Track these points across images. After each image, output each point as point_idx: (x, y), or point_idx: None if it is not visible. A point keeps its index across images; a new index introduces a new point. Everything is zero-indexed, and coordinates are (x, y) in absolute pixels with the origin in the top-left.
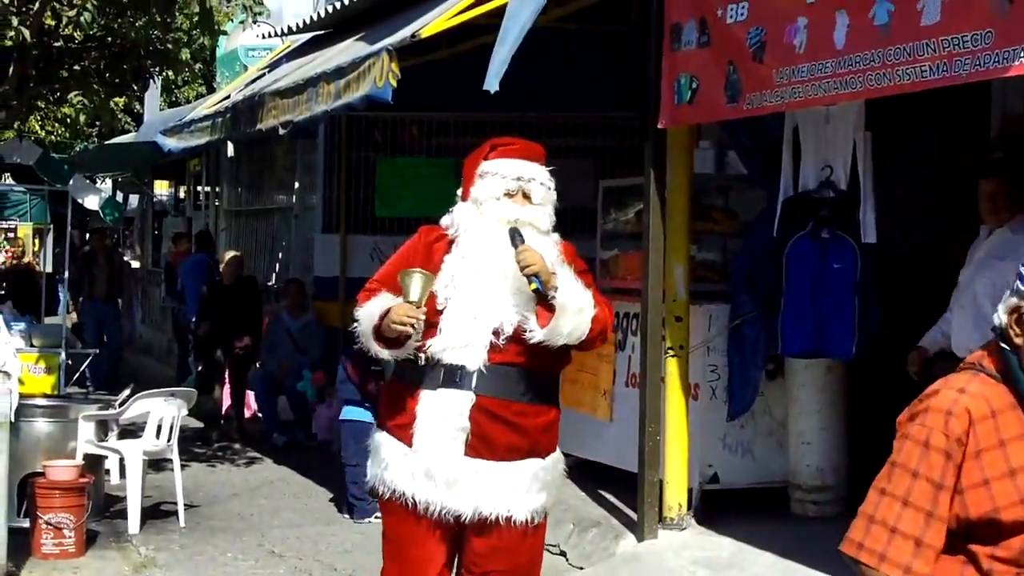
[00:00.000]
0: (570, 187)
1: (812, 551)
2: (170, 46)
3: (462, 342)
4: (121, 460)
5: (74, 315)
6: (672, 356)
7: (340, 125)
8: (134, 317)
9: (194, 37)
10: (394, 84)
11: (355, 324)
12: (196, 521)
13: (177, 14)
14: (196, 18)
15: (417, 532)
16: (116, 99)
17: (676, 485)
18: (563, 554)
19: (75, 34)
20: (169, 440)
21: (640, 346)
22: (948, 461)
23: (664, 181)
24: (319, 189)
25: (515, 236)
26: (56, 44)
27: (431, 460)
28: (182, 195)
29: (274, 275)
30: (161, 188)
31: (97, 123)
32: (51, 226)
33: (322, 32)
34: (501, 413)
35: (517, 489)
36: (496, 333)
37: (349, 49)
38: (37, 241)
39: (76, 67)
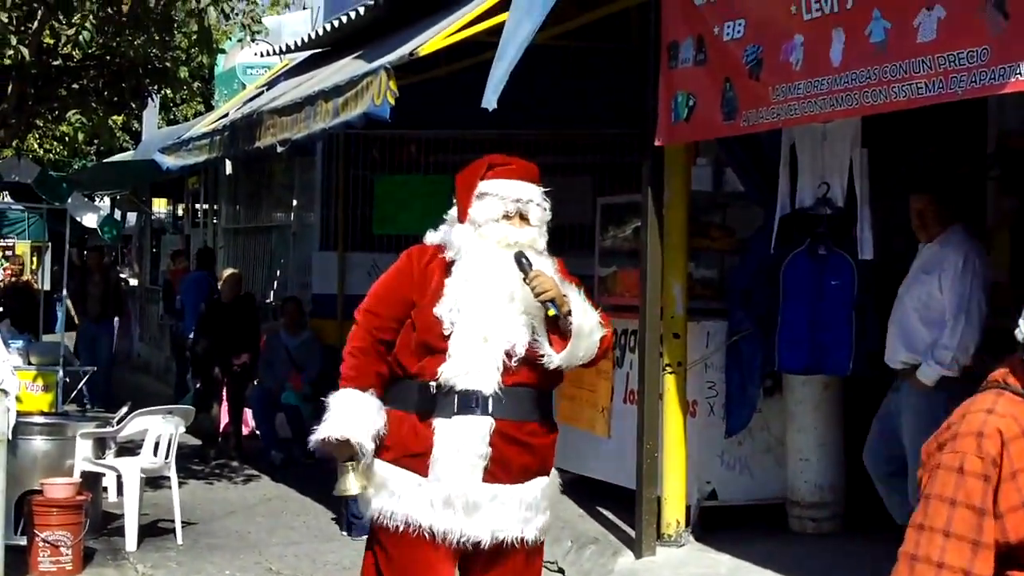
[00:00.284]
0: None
1: (811, 568)
2: (168, 64)
3: (475, 367)
4: (119, 478)
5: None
6: (670, 373)
7: (338, 143)
8: (132, 335)
9: (192, 55)
10: (392, 102)
11: (327, 406)
12: (194, 539)
13: (175, 33)
14: (194, 37)
15: (433, 561)
16: (114, 117)
17: (674, 502)
18: (561, 571)
19: (74, 53)
20: (167, 457)
21: (638, 363)
22: (987, 484)
23: (662, 198)
24: (317, 207)
25: (522, 261)
26: (55, 63)
27: (451, 488)
28: (180, 213)
29: (272, 292)
30: (159, 206)
31: (95, 141)
32: (49, 244)
33: (320, 50)
34: (516, 435)
35: (529, 509)
36: (508, 355)
37: (347, 67)
38: (35, 259)
39: (75, 86)
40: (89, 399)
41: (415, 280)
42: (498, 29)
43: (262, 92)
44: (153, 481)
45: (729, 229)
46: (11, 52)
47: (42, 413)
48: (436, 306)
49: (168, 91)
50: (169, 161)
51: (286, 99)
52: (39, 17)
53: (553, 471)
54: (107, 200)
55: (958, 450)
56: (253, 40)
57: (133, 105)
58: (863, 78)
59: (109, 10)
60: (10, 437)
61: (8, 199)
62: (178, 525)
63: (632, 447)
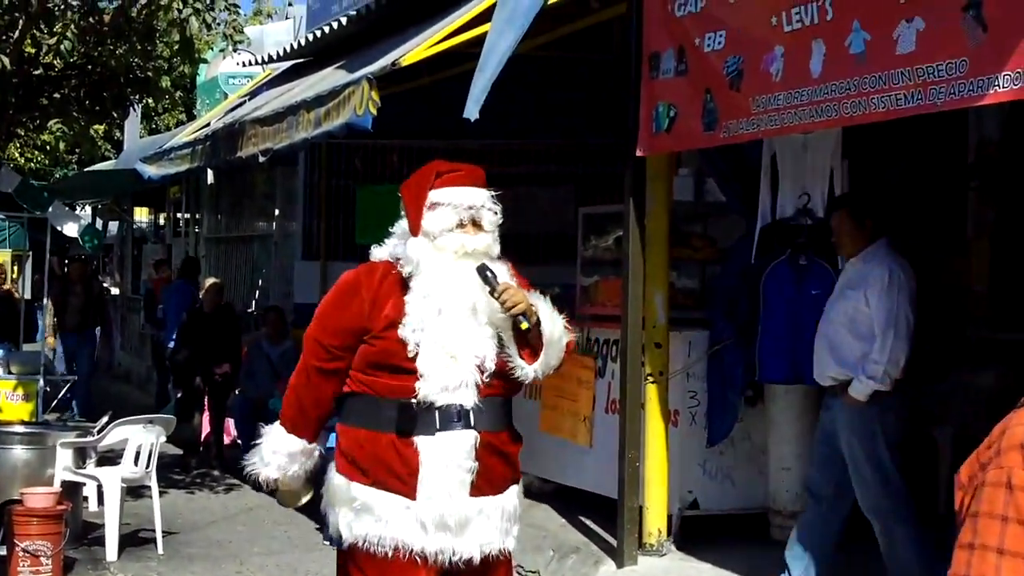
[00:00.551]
0: (550, 214)
1: None
2: (150, 74)
3: (454, 382)
4: (99, 487)
5: (50, 340)
6: (652, 382)
7: (320, 153)
8: (113, 344)
9: (174, 65)
10: (374, 112)
11: (258, 445)
12: (175, 548)
13: (157, 42)
14: (176, 46)
15: None
16: (96, 126)
17: (656, 511)
18: None
19: (55, 62)
20: (148, 467)
21: (620, 372)
22: None
23: (643, 208)
24: (299, 216)
25: (485, 274)
26: (36, 72)
27: (443, 507)
28: (162, 222)
29: (254, 302)
30: (141, 215)
31: (77, 150)
32: (30, 253)
33: (302, 60)
34: (498, 445)
35: (509, 519)
36: (480, 370)
37: (329, 77)
38: (16, 268)
39: (56, 95)
40: (77, 409)
41: (366, 309)
42: (480, 40)
43: (244, 102)
44: (134, 491)
45: (711, 239)
46: None
47: (22, 422)
48: (400, 328)
49: (150, 100)
50: (151, 170)
51: (268, 109)
52: (20, 26)
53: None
54: (88, 209)
55: (1003, 465)
56: (235, 50)
57: (115, 114)
58: (842, 89)
59: (91, 20)
60: None
61: None
62: (159, 535)
63: (614, 456)
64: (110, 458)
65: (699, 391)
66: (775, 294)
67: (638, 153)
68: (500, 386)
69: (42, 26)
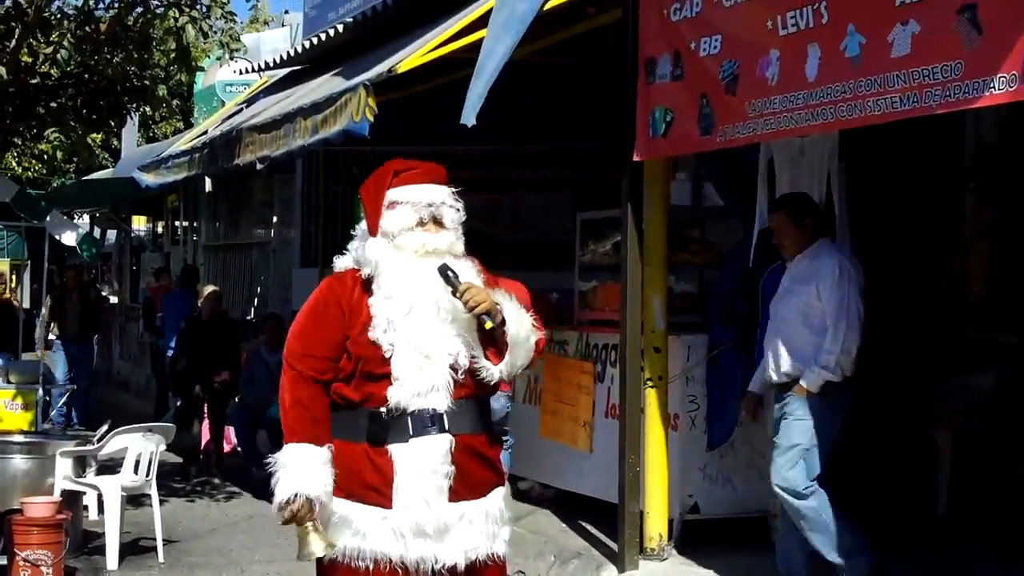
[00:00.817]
0: (548, 220)
1: None
2: (147, 82)
3: (426, 386)
4: (99, 496)
5: (44, 352)
6: (651, 387)
7: (318, 160)
8: (112, 353)
9: (171, 73)
10: (371, 119)
11: (273, 462)
12: (175, 557)
13: (154, 51)
14: (173, 54)
15: None
16: (93, 135)
17: (657, 516)
18: None
19: (52, 71)
20: (148, 475)
21: (619, 377)
22: None
23: (641, 213)
24: (297, 223)
25: (447, 274)
26: (33, 81)
27: (419, 515)
28: (160, 230)
29: (252, 309)
30: (139, 223)
31: (74, 159)
32: (28, 262)
33: (299, 68)
34: (476, 448)
35: (496, 523)
36: (454, 369)
37: (326, 84)
38: (14, 277)
39: (53, 104)
40: (77, 417)
41: (345, 314)
42: (476, 46)
43: (241, 109)
44: (134, 499)
45: (708, 243)
46: None
47: (22, 432)
48: (370, 331)
49: (147, 109)
50: (148, 179)
51: (265, 116)
52: (16, 35)
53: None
54: (86, 218)
55: None
56: (232, 58)
57: (112, 123)
58: (838, 92)
59: (87, 28)
60: None
61: None
62: (159, 543)
63: (614, 461)
64: (110, 467)
65: (699, 395)
66: (773, 297)
67: (635, 158)
68: (473, 387)
69: (39, 35)
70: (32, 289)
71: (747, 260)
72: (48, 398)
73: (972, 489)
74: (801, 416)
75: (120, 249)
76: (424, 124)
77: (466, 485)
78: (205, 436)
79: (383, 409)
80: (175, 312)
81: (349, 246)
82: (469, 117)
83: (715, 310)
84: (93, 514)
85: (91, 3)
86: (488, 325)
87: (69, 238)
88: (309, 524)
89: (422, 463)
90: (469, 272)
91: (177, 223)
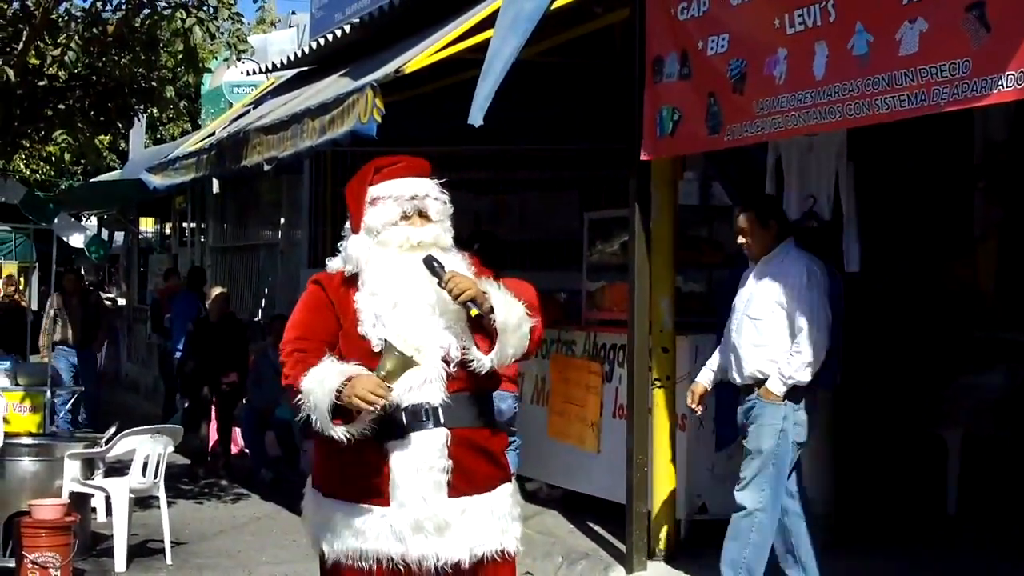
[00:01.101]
0: (555, 219)
1: None
2: (155, 84)
3: (418, 379)
4: (107, 498)
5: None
6: (659, 387)
7: (325, 161)
8: (120, 355)
9: (179, 75)
10: (378, 119)
11: (299, 396)
12: (183, 559)
13: (161, 52)
14: (180, 56)
15: None
16: (101, 137)
17: (665, 516)
18: None
19: (60, 73)
20: (155, 477)
21: (627, 377)
22: None
23: (649, 213)
24: (305, 224)
25: (432, 264)
26: (41, 83)
27: (417, 512)
28: (168, 232)
29: (260, 311)
30: (147, 225)
31: (82, 161)
32: (36, 265)
33: (306, 68)
34: (475, 441)
35: (504, 519)
36: (446, 362)
37: (333, 85)
38: (22, 279)
39: (61, 106)
40: (85, 420)
41: (335, 305)
42: (483, 46)
43: (249, 110)
44: (142, 501)
45: (716, 243)
46: None
47: (30, 434)
48: (358, 327)
49: (154, 110)
50: (156, 180)
51: (273, 117)
52: (24, 38)
53: (512, 478)
54: (94, 220)
55: None
56: (239, 59)
57: (119, 125)
58: (846, 91)
59: (95, 30)
60: None
61: None
62: (167, 545)
63: (622, 462)
64: (118, 469)
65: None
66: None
67: (642, 157)
68: (468, 381)
69: (46, 37)
70: (40, 291)
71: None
72: (55, 401)
73: (982, 489)
74: (768, 421)
75: (128, 251)
76: (431, 124)
77: (467, 480)
78: (213, 438)
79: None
80: (182, 314)
81: (339, 246)
82: (476, 117)
83: (723, 310)
84: (101, 516)
85: (98, 5)
86: (474, 312)
87: (77, 240)
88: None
89: (418, 458)
90: (458, 264)
91: (185, 225)
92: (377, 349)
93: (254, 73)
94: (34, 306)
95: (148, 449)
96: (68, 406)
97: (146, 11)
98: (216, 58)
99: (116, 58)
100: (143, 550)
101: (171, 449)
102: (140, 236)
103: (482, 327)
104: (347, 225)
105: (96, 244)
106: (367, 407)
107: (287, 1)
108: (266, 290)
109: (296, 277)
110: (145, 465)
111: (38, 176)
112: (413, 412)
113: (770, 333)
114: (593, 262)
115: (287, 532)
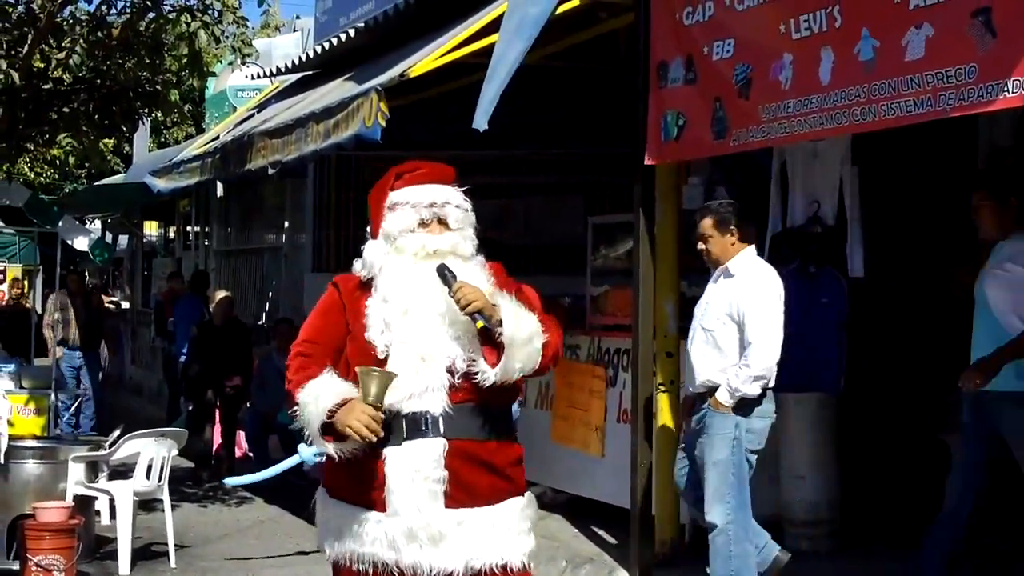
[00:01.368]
0: (560, 224)
1: None
2: (159, 87)
3: (420, 387)
4: (111, 501)
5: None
6: (663, 391)
7: (330, 165)
8: (124, 358)
9: (183, 78)
10: (383, 123)
11: (296, 408)
12: (187, 562)
13: (166, 56)
14: (185, 60)
15: None
16: (105, 141)
17: (668, 521)
18: None
19: (64, 76)
20: (160, 480)
21: (631, 382)
22: None
23: (653, 218)
24: (309, 228)
25: (444, 273)
26: (45, 87)
27: (411, 520)
28: (172, 235)
29: (264, 314)
30: (151, 229)
31: (86, 164)
32: (40, 268)
33: (311, 72)
34: (476, 454)
35: (508, 533)
36: (450, 372)
37: (338, 89)
38: (26, 282)
39: (65, 109)
40: (89, 424)
41: (346, 308)
42: (488, 50)
43: (253, 114)
44: (146, 504)
45: None
46: (1, 76)
47: (34, 437)
48: (366, 332)
49: (159, 114)
50: (160, 184)
51: (277, 121)
52: (29, 41)
53: (529, 492)
54: (98, 223)
55: None
56: (243, 63)
57: (124, 128)
58: (852, 96)
59: (99, 34)
60: (2, 461)
61: None
62: (171, 548)
63: (626, 466)
64: (122, 472)
65: None
66: (785, 302)
67: (647, 162)
68: (477, 392)
69: (51, 41)
70: (44, 294)
71: None
72: (60, 403)
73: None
74: (719, 431)
75: (132, 254)
76: (436, 129)
77: (466, 492)
78: (217, 441)
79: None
80: (185, 318)
81: (361, 249)
82: (481, 122)
83: None
84: (105, 519)
85: (103, 8)
86: (479, 324)
87: (81, 243)
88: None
89: (413, 467)
90: (476, 274)
91: (189, 228)
92: (382, 356)
93: (258, 77)
94: (38, 309)
95: (152, 452)
96: (71, 411)
97: (151, 15)
98: (220, 62)
99: (120, 62)
100: (147, 553)
101: (175, 452)
102: (144, 240)
103: (492, 339)
104: (368, 229)
105: (100, 247)
106: (358, 439)
107: (291, 5)
108: (270, 294)
109: (300, 281)
110: (149, 468)
111: (42, 179)
112: (413, 420)
113: (722, 344)
114: (597, 267)
115: (291, 536)
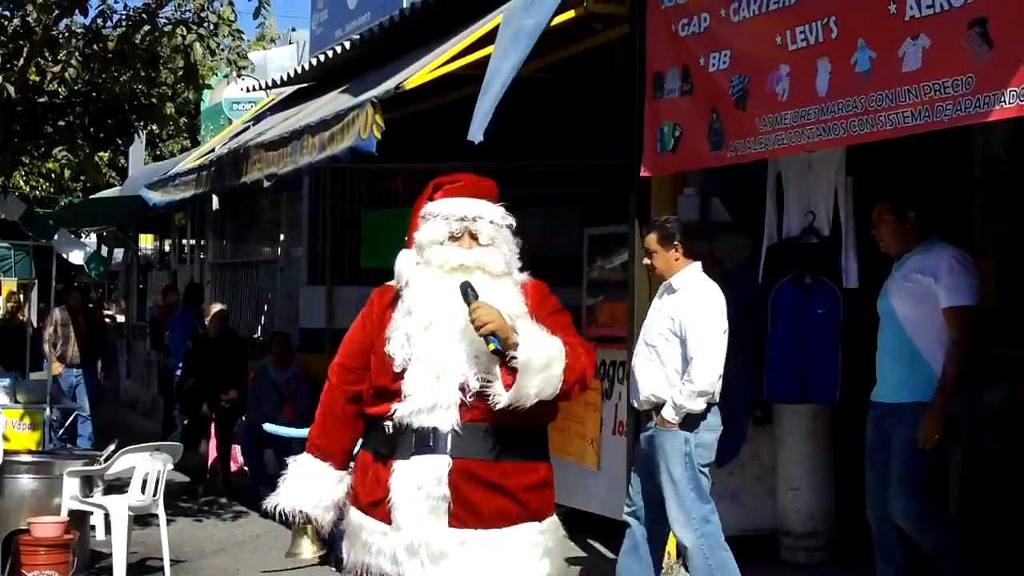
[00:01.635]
0: (556, 236)
1: None
2: (154, 100)
3: (430, 403)
4: (106, 516)
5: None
6: None
7: (325, 177)
8: (119, 372)
9: (179, 91)
10: (378, 136)
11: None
12: None
13: (161, 69)
14: (180, 72)
15: None
16: (101, 154)
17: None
18: None
19: (60, 89)
20: (155, 495)
21: (627, 394)
22: None
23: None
24: (304, 241)
25: (467, 291)
26: (41, 100)
27: (413, 535)
28: (167, 248)
29: (260, 327)
30: (146, 242)
31: (82, 178)
32: (35, 281)
33: (306, 85)
34: (483, 475)
35: (515, 558)
36: (463, 390)
37: (333, 101)
38: (21, 296)
39: (61, 122)
40: (84, 439)
41: (375, 323)
42: (483, 62)
43: (248, 127)
44: (141, 519)
45: (716, 259)
46: None
47: (29, 452)
48: (387, 344)
49: (154, 127)
50: (156, 197)
51: (272, 134)
52: (24, 54)
53: (554, 517)
54: (94, 236)
55: None
56: (239, 75)
57: (119, 141)
58: (849, 107)
59: (95, 47)
60: None
61: None
62: (167, 563)
63: (622, 478)
64: (117, 486)
65: None
66: (781, 313)
67: (642, 173)
68: (488, 412)
69: (46, 54)
70: (40, 308)
71: (755, 276)
72: (55, 418)
73: (982, 504)
74: (670, 448)
75: (127, 268)
76: (432, 141)
77: (471, 512)
78: (212, 455)
79: (388, 423)
80: (179, 332)
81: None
82: (476, 134)
83: None
84: (100, 534)
85: (99, 22)
86: (491, 347)
87: (77, 257)
88: (306, 525)
89: (415, 482)
90: (506, 293)
91: (184, 241)
92: (399, 370)
93: (254, 90)
94: (34, 323)
95: (147, 467)
96: (62, 430)
97: (146, 28)
98: (216, 75)
99: (116, 75)
100: (142, 568)
101: (170, 467)
102: (139, 253)
103: (507, 362)
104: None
105: (96, 261)
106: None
107: (287, 18)
108: (265, 307)
109: (295, 294)
110: (144, 483)
111: (38, 193)
112: (421, 435)
113: (664, 359)
114: (593, 278)
115: (286, 550)
